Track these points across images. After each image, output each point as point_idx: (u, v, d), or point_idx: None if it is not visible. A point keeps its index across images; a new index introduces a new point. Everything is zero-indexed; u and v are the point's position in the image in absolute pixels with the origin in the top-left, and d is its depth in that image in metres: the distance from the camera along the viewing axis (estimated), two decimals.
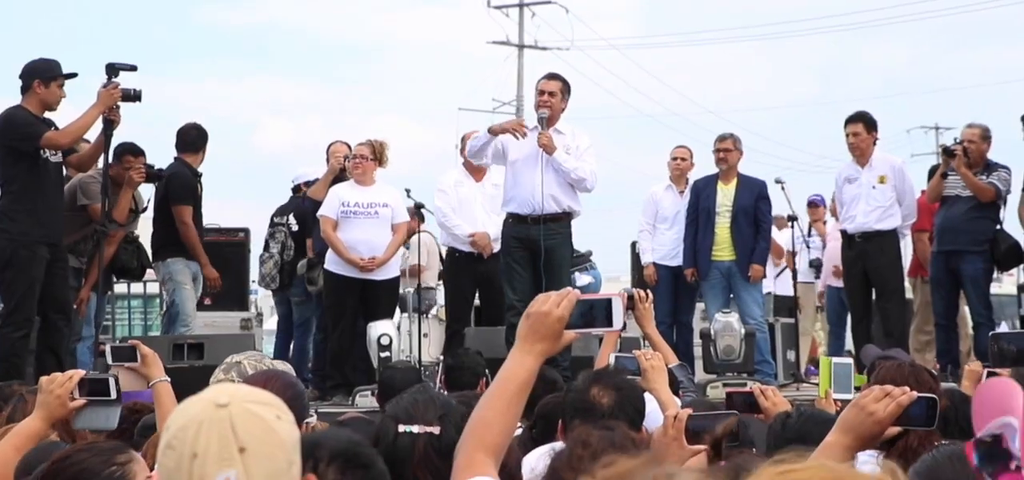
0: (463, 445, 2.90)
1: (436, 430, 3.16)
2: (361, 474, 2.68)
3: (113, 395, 4.21)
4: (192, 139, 10.07)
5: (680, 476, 1.75)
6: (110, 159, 8.81)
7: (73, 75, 8.59)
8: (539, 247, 8.97)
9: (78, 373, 4.21)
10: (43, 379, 4.14)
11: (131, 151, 9.37)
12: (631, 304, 6.50)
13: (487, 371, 7.47)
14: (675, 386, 6.31)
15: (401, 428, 3.20)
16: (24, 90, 8.47)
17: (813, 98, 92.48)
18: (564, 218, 9.17)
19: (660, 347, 7.05)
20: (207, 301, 11.22)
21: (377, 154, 10.00)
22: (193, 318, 9.88)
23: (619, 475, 1.75)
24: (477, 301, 10.60)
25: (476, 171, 10.14)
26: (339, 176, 10.29)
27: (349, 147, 10.40)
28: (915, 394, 3.34)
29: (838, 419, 3.36)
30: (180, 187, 9.79)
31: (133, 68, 8.60)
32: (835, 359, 6.00)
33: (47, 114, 8.53)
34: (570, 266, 9.74)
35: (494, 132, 9.18)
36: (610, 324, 3.00)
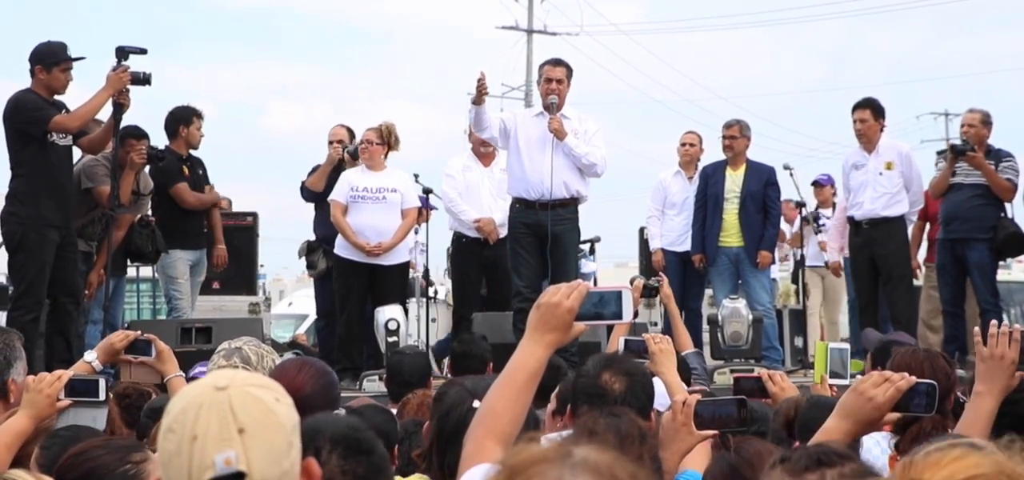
0: (472, 433, 2.92)
1: None
2: (364, 460, 2.71)
3: (101, 397, 4.21)
4: (166, 125, 10.15)
5: (579, 458, 1.76)
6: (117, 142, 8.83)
7: (80, 59, 8.57)
8: (547, 233, 8.98)
9: (66, 373, 4.22)
10: (30, 378, 4.16)
11: (133, 134, 9.37)
12: (655, 292, 6.69)
13: (493, 357, 7.50)
14: (688, 373, 6.35)
15: (475, 403, 3.28)
16: (31, 74, 8.48)
17: (822, 84, 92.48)
18: (572, 203, 9.16)
19: (679, 331, 7.11)
20: (215, 285, 11.25)
21: (385, 138, 9.99)
22: (187, 313, 9.90)
23: (525, 461, 1.76)
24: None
25: (484, 156, 10.15)
26: (339, 166, 10.23)
27: (348, 130, 10.36)
28: (914, 380, 3.37)
29: (838, 404, 3.39)
30: (164, 172, 9.88)
31: (143, 51, 8.59)
32: (832, 344, 6.02)
33: (57, 97, 8.53)
34: (578, 252, 9.74)
35: (477, 102, 9.07)
36: (620, 316, 3.00)
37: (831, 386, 5.69)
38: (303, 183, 10.66)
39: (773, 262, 10.72)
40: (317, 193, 10.25)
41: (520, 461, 1.78)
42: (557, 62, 9.33)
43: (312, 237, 10.83)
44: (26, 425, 4.03)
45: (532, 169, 9.02)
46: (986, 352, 3.81)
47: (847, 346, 6.16)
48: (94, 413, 4.19)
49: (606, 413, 3.34)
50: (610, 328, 6.70)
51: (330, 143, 10.58)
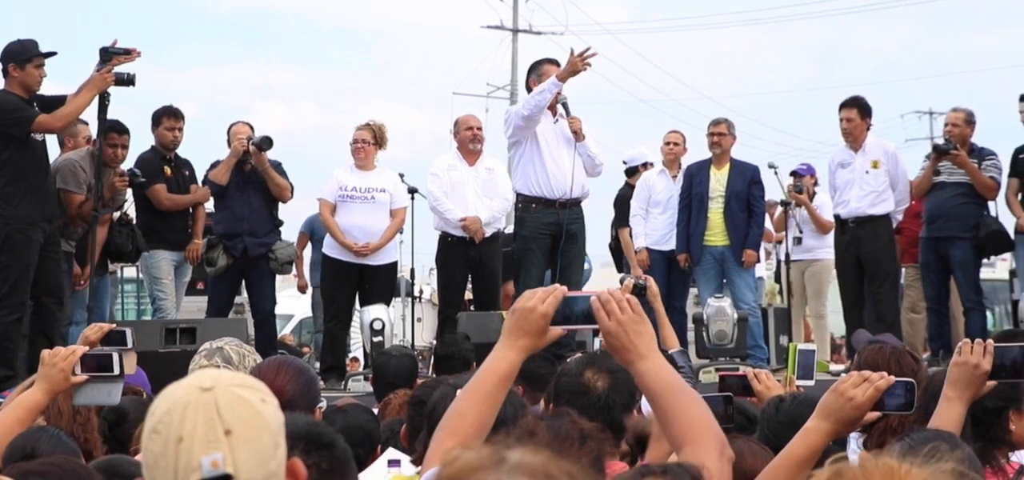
0: (437, 434, 2.92)
1: None
2: (327, 453, 2.79)
3: (116, 371, 4.18)
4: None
5: (514, 462, 1.77)
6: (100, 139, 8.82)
7: (52, 53, 8.48)
8: (565, 231, 9.29)
9: (81, 348, 4.20)
10: (45, 352, 4.14)
11: (114, 128, 9.35)
12: (643, 292, 7.00)
13: (476, 357, 7.51)
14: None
15: None
16: (4, 74, 8.41)
17: (808, 83, 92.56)
18: (581, 202, 9.44)
19: (666, 330, 7.18)
20: (200, 285, 11.21)
21: (377, 137, 9.99)
22: (172, 314, 9.85)
23: (460, 471, 1.77)
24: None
25: (469, 155, 10.13)
26: (243, 159, 9.94)
27: (251, 128, 10.10)
28: (893, 379, 3.40)
29: (818, 404, 3.40)
30: (145, 170, 9.84)
31: (127, 53, 8.50)
32: (800, 346, 6.08)
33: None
34: None
35: (565, 77, 9.20)
36: (591, 320, 2.99)
37: (798, 386, 5.73)
38: (207, 176, 10.20)
39: (758, 261, 10.71)
40: (222, 187, 9.97)
41: (455, 470, 1.79)
42: (556, 63, 9.49)
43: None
44: (40, 399, 4.03)
45: (555, 169, 9.23)
46: (960, 358, 3.84)
47: (814, 348, 6.21)
48: (109, 387, 4.17)
49: (547, 415, 3.34)
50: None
51: (230, 142, 10.13)
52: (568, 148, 9.21)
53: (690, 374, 7.01)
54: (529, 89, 9.49)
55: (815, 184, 12.40)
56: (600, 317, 2.91)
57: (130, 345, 4.87)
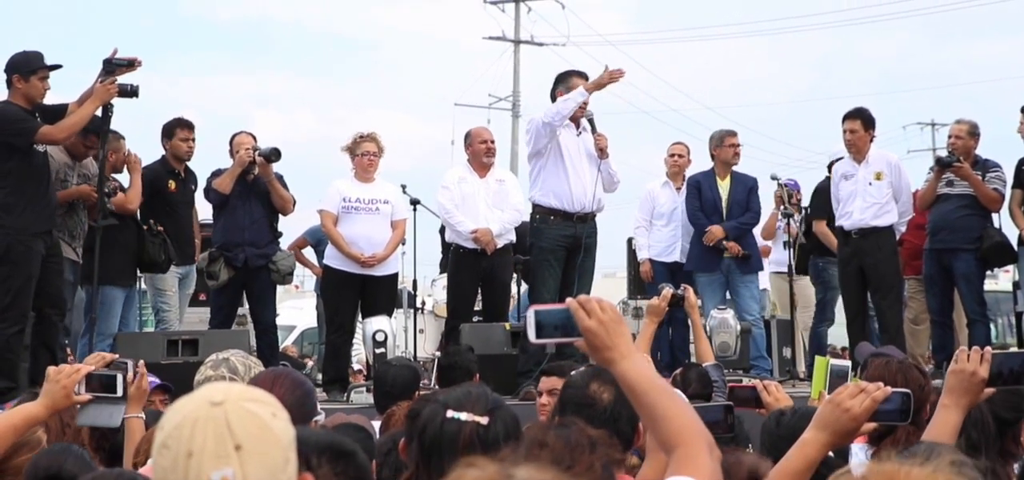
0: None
1: (484, 421, 3.12)
2: (351, 462, 2.84)
3: (119, 392, 4.17)
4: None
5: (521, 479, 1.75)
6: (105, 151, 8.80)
7: (57, 66, 8.47)
8: (582, 244, 9.43)
9: (85, 367, 4.19)
10: (51, 369, 4.14)
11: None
12: (680, 302, 7.11)
13: (479, 368, 7.52)
14: (709, 385, 6.35)
15: (449, 414, 3.16)
16: (8, 84, 8.38)
17: (809, 94, 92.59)
18: (597, 215, 9.65)
19: (702, 343, 7.19)
20: (202, 297, 11.19)
21: (380, 148, 10.01)
22: (175, 326, 9.82)
23: None
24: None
25: (480, 167, 10.09)
26: (246, 169, 9.88)
27: (254, 138, 10.02)
28: (889, 390, 3.41)
29: (814, 415, 3.40)
30: (147, 181, 9.83)
31: (130, 64, 8.48)
32: (833, 360, 5.98)
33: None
34: None
35: (592, 88, 9.38)
36: (572, 332, 2.94)
37: None
38: (210, 185, 10.06)
39: (725, 236, 10.50)
40: (224, 196, 9.88)
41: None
42: (584, 76, 9.60)
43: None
44: (40, 412, 4.04)
45: (577, 183, 9.36)
46: (957, 366, 3.84)
47: (848, 363, 6.06)
48: (112, 409, 4.16)
49: (555, 424, 3.32)
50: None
51: (236, 152, 9.99)
52: (590, 163, 9.38)
53: (723, 388, 6.99)
54: (554, 101, 9.56)
55: (799, 199, 12.46)
56: (580, 317, 2.86)
57: (134, 375, 4.84)
